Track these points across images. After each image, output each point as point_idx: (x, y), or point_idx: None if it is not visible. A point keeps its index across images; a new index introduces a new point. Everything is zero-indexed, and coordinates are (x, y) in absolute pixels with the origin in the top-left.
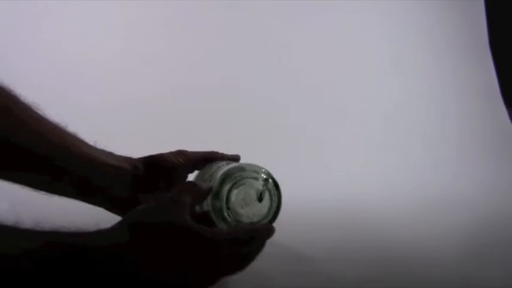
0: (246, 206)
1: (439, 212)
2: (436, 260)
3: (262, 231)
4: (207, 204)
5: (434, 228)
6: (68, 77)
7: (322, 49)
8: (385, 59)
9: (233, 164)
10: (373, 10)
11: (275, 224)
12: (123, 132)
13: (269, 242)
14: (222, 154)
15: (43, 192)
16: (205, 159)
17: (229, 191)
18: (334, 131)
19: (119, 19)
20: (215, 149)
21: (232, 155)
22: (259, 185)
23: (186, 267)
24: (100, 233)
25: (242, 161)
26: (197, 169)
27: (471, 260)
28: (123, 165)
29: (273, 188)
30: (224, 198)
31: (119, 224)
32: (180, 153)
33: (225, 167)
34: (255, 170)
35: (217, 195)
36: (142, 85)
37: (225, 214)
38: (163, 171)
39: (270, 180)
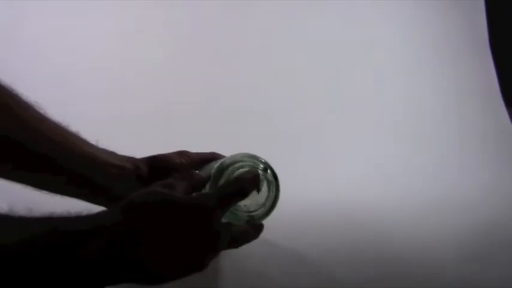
0: None
1: (439, 213)
2: (437, 261)
3: (246, 178)
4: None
5: (435, 229)
6: (66, 82)
7: (323, 50)
8: (384, 59)
9: (232, 155)
10: (371, 10)
11: (274, 223)
12: (123, 136)
13: (269, 243)
14: (224, 156)
15: (45, 192)
16: (208, 161)
17: (228, 179)
18: (335, 132)
19: (121, 25)
20: (215, 151)
21: None
22: (256, 169)
23: (179, 240)
24: (94, 216)
25: None
26: (199, 169)
27: (472, 261)
28: (125, 165)
29: (271, 178)
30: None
31: (112, 207)
32: (183, 153)
33: (223, 158)
34: (254, 160)
35: (215, 184)
36: (141, 89)
37: None
38: (166, 172)
39: (268, 170)
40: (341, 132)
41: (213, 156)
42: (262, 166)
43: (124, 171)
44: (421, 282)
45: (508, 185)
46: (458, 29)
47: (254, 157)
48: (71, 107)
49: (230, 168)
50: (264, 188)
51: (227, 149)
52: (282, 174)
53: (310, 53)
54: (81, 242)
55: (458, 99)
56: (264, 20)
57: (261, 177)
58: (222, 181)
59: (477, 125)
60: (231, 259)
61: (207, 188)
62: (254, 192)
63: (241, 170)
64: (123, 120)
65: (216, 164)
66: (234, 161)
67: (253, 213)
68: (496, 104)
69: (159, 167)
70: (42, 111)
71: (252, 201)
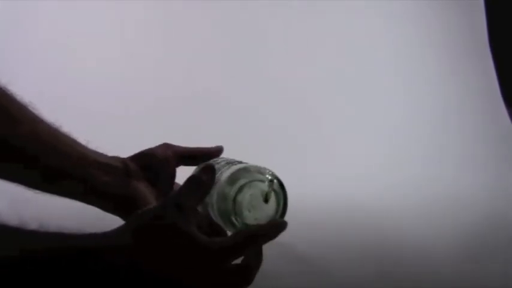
0: (253, 209)
1: (439, 212)
2: (436, 260)
3: (266, 228)
4: (211, 205)
5: (435, 228)
6: (63, 79)
7: (324, 51)
8: (384, 60)
9: (236, 166)
10: (372, 11)
11: None
12: (113, 136)
13: (269, 242)
14: (208, 149)
15: (38, 191)
16: (191, 154)
17: (236, 195)
18: (335, 133)
19: (120, 24)
20: None
21: (215, 147)
22: (264, 186)
23: (188, 277)
24: (104, 235)
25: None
26: (184, 163)
27: (472, 260)
28: (115, 163)
29: (278, 188)
30: (231, 203)
31: (124, 226)
32: (167, 146)
33: (228, 170)
34: (260, 171)
35: (224, 200)
36: (137, 93)
37: (232, 218)
38: (152, 166)
39: (275, 180)
40: (341, 133)
41: (196, 152)
42: (268, 177)
43: (114, 169)
44: (421, 280)
45: (508, 185)
46: (458, 29)
47: (259, 167)
48: (70, 105)
49: (238, 181)
50: (272, 199)
51: (230, 149)
52: (284, 174)
53: (311, 54)
54: (86, 260)
55: (458, 99)
56: (264, 19)
57: (268, 188)
58: (230, 196)
59: (477, 125)
60: None
61: (214, 204)
62: (263, 205)
63: (248, 185)
64: (122, 118)
65: (222, 177)
66: (240, 174)
67: None
68: (496, 104)
69: (146, 162)
70: (36, 112)
71: (261, 214)
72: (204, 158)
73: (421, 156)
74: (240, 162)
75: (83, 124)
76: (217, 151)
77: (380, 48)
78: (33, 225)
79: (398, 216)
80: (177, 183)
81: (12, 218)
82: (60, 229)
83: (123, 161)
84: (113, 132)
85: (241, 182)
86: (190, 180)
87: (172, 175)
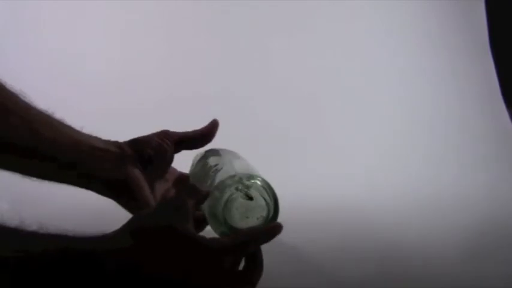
0: (249, 213)
1: (439, 212)
2: (436, 260)
3: (263, 232)
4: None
5: (435, 229)
6: (63, 79)
7: (322, 51)
8: (384, 60)
9: (229, 174)
10: (372, 11)
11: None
12: (113, 136)
13: (269, 242)
14: (203, 130)
15: (34, 179)
16: (188, 138)
17: (226, 220)
18: (335, 132)
19: (117, 27)
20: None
21: (210, 126)
22: (239, 191)
23: (187, 276)
24: (104, 238)
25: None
26: (183, 148)
27: (471, 260)
28: (110, 147)
29: (250, 182)
30: (226, 227)
31: (122, 228)
32: (163, 133)
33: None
34: (227, 185)
35: (221, 225)
36: (137, 93)
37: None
38: (148, 152)
39: (242, 180)
40: (341, 133)
41: (194, 135)
42: (235, 186)
43: (109, 153)
44: (420, 280)
45: (508, 185)
46: (459, 29)
47: (225, 182)
48: (70, 105)
49: (218, 214)
50: (254, 194)
51: (231, 149)
52: (283, 173)
53: (311, 55)
54: (86, 263)
55: (459, 99)
56: (266, 18)
57: (243, 191)
58: (224, 228)
59: (477, 125)
60: None
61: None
62: (252, 202)
63: (227, 208)
64: (122, 116)
65: (215, 173)
66: (214, 202)
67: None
68: (496, 104)
69: (141, 147)
70: (27, 100)
71: (257, 209)
72: (203, 139)
73: (421, 156)
74: (216, 170)
75: (83, 124)
76: (212, 130)
77: (379, 49)
78: (33, 225)
79: (399, 216)
80: (173, 168)
81: (12, 219)
82: (60, 230)
83: (119, 145)
84: (113, 133)
85: (220, 208)
86: (188, 186)
87: (168, 161)
